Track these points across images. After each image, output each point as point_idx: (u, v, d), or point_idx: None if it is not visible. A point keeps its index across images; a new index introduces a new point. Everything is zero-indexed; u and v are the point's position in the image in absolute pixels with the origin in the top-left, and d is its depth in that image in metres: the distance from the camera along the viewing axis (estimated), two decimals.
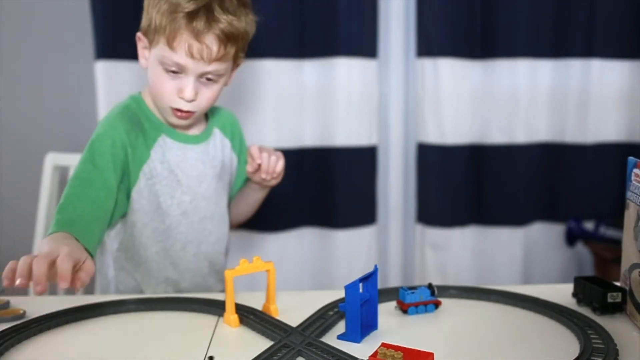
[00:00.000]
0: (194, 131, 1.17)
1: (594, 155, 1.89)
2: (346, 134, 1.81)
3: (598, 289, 0.91)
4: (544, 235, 1.95)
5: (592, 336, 0.82)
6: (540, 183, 1.91)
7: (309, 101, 1.79)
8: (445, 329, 0.89)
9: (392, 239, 1.94)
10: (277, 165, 1.15)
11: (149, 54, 1.08)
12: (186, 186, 1.13)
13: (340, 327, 0.88)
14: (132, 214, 1.11)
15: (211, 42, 1.02)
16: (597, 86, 1.85)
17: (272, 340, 0.83)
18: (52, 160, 1.54)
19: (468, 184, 1.88)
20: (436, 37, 1.79)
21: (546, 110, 1.87)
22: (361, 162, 1.84)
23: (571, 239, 1.93)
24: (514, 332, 0.88)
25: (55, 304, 0.94)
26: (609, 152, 1.89)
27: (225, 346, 0.84)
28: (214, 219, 1.18)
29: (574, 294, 0.97)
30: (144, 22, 1.07)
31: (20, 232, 1.73)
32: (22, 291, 1.53)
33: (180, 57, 1.02)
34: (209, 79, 1.07)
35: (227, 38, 1.02)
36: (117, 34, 1.68)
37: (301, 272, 1.87)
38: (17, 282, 0.74)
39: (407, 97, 1.88)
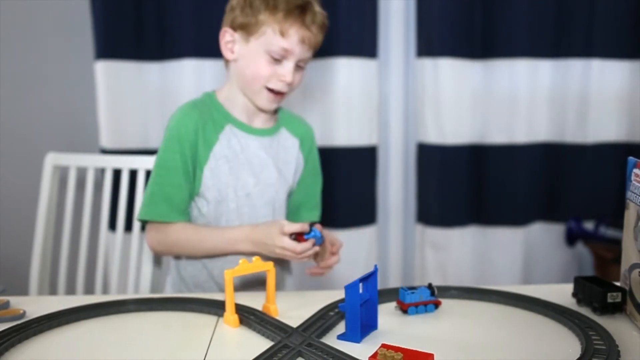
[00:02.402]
0: (262, 125, 1.26)
1: (594, 155, 1.89)
2: (346, 134, 1.81)
3: (598, 289, 0.91)
4: (544, 235, 1.95)
5: (593, 337, 0.81)
6: (540, 183, 1.91)
7: (309, 101, 1.79)
8: (445, 329, 0.89)
9: (392, 239, 1.94)
10: (332, 261, 1.20)
11: (243, 46, 1.20)
12: (251, 171, 1.23)
13: (340, 327, 0.88)
14: (206, 191, 1.21)
15: (317, 31, 1.19)
16: (597, 86, 1.85)
17: (272, 340, 0.83)
18: (52, 160, 1.54)
19: (468, 184, 1.88)
20: (436, 37, 1.79)
21: (546, 110, 1.87)
22: (361, 162, 1.84)
23: (571, 239, 1.93)
24: (514, 332, 0.88)
25: (55, 304, 0.94)
26: (609, 152, 1.89)
27: (225, 346, 0.84)
28: (274, 206, 1.26)
29: (574, 294, 0.97)
30: (240, 18, 1.19)
31: (20, 232, 1.73)
32: (22, 291, 1.54)
33: (291, 43, 1.17)
34: (299, 66, 1.21)
35: (323, 29, 1.21)
36: (117, 34, 1.68)
37: (301, 272, 1.87)
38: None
39: (407, 97, 1.88)
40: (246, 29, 1.19)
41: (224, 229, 1.18)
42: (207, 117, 1.21)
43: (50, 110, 1.85)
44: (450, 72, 1.79)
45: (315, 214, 1.34)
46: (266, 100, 1.21)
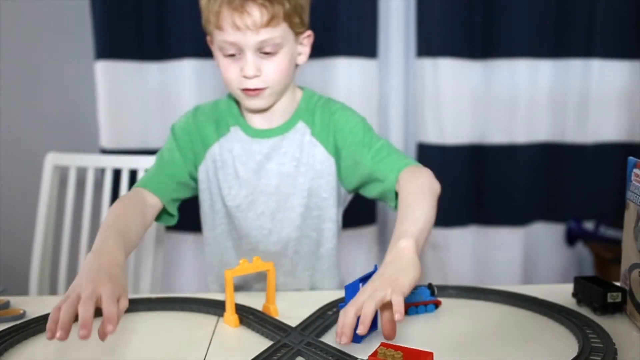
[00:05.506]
0: (273, 122, 1.12)
1: (594, 155, 1.89)
2: None
3: (598, 289, 0.91)
4: (544, 235, 1.95)
5: (590, 336, 0.82)
6: (540, 183, 1.91)
7: None
8: (445, 329, 0.89)
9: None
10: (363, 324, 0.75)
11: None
12: (244, 180, 1.12)
13: None
14: (201, 193, 1.15)
15: (251, 8, 1.00)
16: (597, 86, 1.85)
17: (271, 340, 0.83)
18: (52, 160, 1.54)
19: (468, 184, 1.88)
20: (436, 37, 1.79)
21: (546, 110, 1.87)
22: None
23: (571, 239, 1.93)
24: (513, 332, 0.88)
25: (55, 304, 0.94)
26: (609, 152, 1.89)
27: (225, 346, 0.84)
28: (275, 217, 1.12)
29: (574, 294, 0.97)
30: (203, 21, 1.08)
31: (20, 232, 1.73)
32: (22, 291, 1.54)
33: (228, 34, 1.02)
34: (267, 52, 1.04)
35: (267, 0, 1.01)
36: (117, 34, 1.68)
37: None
38: (58, 335, 0.73)
39: (407, 97, 1.88)
40: (207, 32, 1.09)
41: (105, 238, 0.90)
42: (209, 117, 1.13)
43: (50, 110, 1.85)
44: (450, 72, 1.79)
45: (381, 185, 1.05)
46: (247, 102, 1.08)
